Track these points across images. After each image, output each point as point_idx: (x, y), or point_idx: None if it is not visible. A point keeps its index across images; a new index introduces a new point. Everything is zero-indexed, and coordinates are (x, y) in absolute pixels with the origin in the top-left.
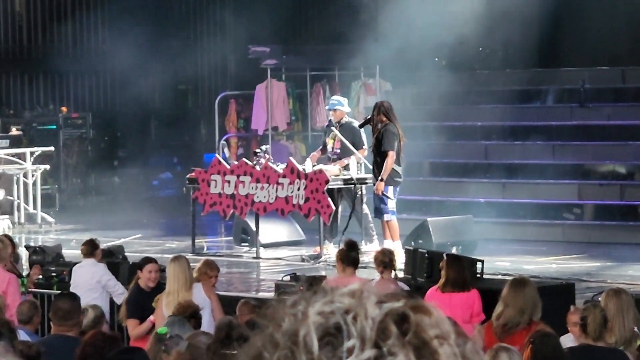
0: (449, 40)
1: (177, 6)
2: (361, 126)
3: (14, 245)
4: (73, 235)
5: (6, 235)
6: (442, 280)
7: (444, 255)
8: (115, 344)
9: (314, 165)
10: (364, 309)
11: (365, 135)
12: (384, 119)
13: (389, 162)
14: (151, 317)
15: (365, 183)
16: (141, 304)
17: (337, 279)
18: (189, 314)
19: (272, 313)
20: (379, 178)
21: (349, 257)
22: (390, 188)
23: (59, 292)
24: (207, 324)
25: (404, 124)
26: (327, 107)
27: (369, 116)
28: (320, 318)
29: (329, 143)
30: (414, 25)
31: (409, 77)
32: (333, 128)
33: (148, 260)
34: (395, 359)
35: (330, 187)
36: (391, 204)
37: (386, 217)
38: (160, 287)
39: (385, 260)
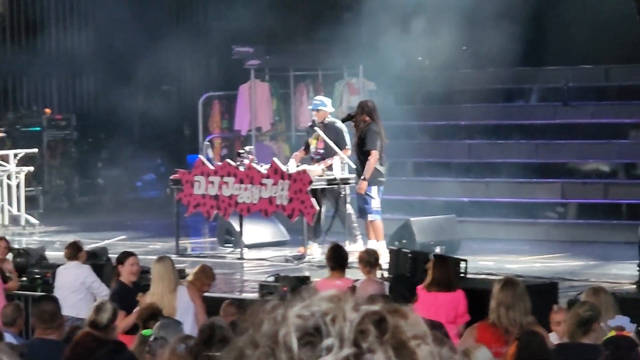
0: (432, 40)
1: (159, 7)
2: (343, 120)
3: None
4: (57, 237)
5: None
6: (428, 280)
7: (431, 255)
8: (105, 345)
9: (297, 166)
10: (342, 312)
11: (348, 136)
12: (367, 118)
13: (372, 161)
14: (137, 310)
15: (349, 183)
16: (126, 299)
17: (324, 280)
18: (147, 316)
19: (252, 316)
20: (362, 177)
21: (330, 261)
22: (374, 188)
23: (42, 294)
24: (190, 328)
25: (387, 123)
26: (310, 108)
27: (352, 112)
28: (299, 320)
29: (312, 143)
30: (397, 25)
31: (391, 76)
32: (316, 128)
33: (128, 254)
34: (375, 355)
35: (313, 187)
36: (375, 204)
37: (370, 217)
38: (143, 286)
39: (370, 261)
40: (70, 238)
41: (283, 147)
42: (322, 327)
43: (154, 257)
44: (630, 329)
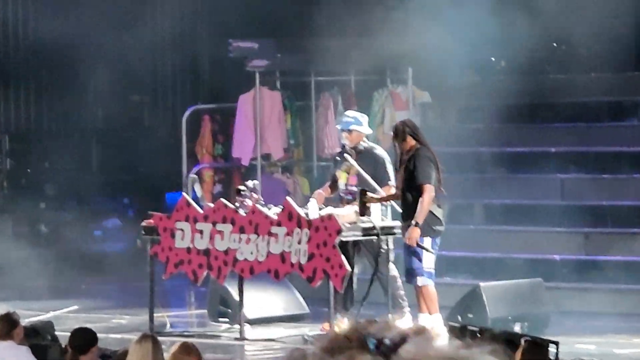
0: (510, 34)
1: None
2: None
3: None
4: None
5: None
6: None
7: (522, 340)
8: None
9: (321, 209)
10: None
11: (392, 167)
12: (412, 142)
13: (426, 200)
14: None
15: (393, 234)
16: None
17: None
18: None
19: None
20: (413, 223)
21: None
22: (427, 239)
23: None
24: None
25: (446, 149)
26: (339, 127)
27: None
28: None
29: (342, 177)
30: (459, 12)
31: (453, 84)
32: (347, 156)
33: (91, 340)
34: None
35: (343, 239)
36: (428, 263)
37: (420, 280)
38: None
39: None
40: (1, 309)
41: (301, 182)
42: None
43: (120, 336)
44: None
